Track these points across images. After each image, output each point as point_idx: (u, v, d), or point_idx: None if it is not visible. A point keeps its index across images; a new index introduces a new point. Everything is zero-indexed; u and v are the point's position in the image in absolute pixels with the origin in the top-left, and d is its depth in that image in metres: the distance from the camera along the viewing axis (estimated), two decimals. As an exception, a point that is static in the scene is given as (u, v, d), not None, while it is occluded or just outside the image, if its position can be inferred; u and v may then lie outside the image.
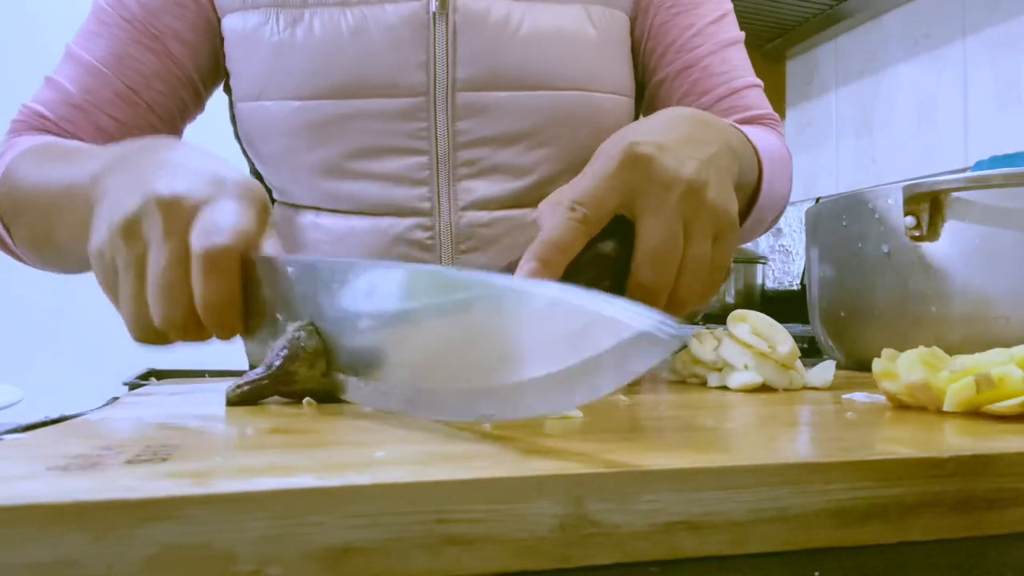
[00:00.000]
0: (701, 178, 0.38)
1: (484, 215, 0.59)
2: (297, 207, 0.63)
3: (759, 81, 0.66)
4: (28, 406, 0.52)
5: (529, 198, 0.60)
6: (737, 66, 0.65)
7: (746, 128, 0.55)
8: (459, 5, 0.58)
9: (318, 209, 0.62)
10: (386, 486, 0.17)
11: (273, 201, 0.65)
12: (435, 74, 0.58)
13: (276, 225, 0.64)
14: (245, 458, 0.21)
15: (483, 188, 0.60)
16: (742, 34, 0.67)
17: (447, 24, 0.57)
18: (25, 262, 0.58)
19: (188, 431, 0.27)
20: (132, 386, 0.60)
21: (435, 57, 0.57)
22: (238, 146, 0.68)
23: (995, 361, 0.33)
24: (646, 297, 0.38)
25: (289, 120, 0.59)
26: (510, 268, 0.38)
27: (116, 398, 0.42)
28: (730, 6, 0.67)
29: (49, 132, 0.59)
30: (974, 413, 0.32)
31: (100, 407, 0.38)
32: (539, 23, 0.59)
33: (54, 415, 0.34)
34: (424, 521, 0.17)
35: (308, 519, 0.16)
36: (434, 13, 0.57)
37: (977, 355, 0.34)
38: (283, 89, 0.59)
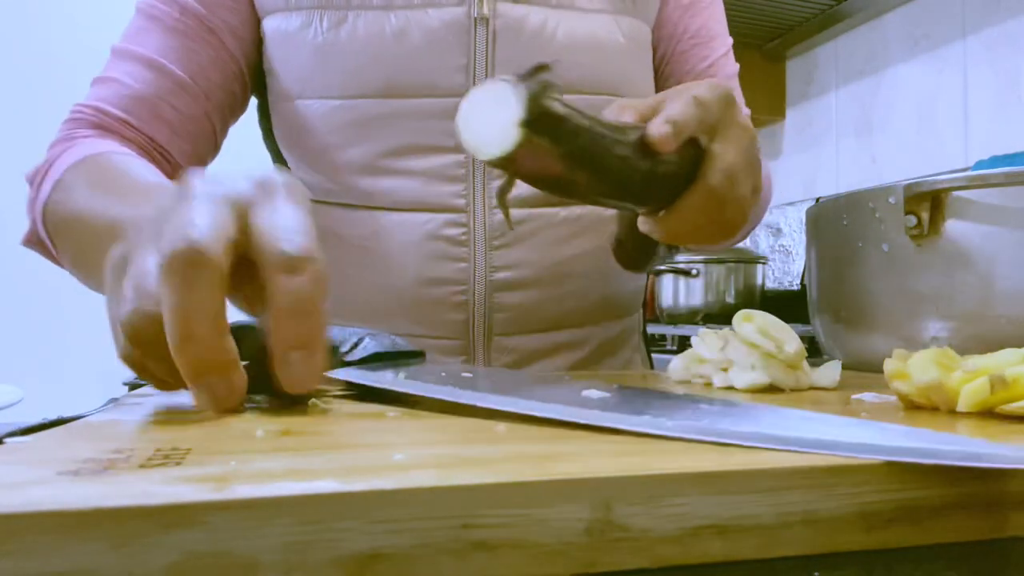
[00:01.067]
0: (756, 156, 0.45)
1: (517, 212, 0.61)
2: (329, 204, 0.63)
3: (748, 111, 0.73)
4: (28, 406, 0.51)
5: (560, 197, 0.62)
6: (740, 98, 0.71)
7: None
8: (500, 11, 0.59)
9: (351, 206, 0.62)
10: (413, 491, 0.16)
11: None
12: (474, 76, 0.59)
13: None
14: (262, 462, 0.21)
15: (517, 186, 0.61)
16: (738, 66, 0.74)
17: (487, 29, 0.59)
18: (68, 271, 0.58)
19: (196, 433, 0.27)
20: (132, 386, 0.59)
21: (475, 60, 0.59)
22: (267, 148, 0.69)
23: (1009, 361, 0.33)
24: (711, 202, 0.42)
25: (330, 118, 0.60)
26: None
27: (116, 399, 0.42)
28: (731, 41, 0.73)
29: (108, 128, 0.58)
30: (987, 413, 0.32)
31: (100, 408, 0.37)
32: (573, 30, 0.61)
33: (54, 416, 0.33)
34: (450, 526, 0.17)
35: (334, 525, 0.16)
36: (475, 18, 0.59)
37: (989, 355, 0.34)
38: (325, 88, 0.60)
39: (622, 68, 0.63)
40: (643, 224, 0.45)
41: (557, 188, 0.38)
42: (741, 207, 0.44)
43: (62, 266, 0.58)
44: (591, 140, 0.37)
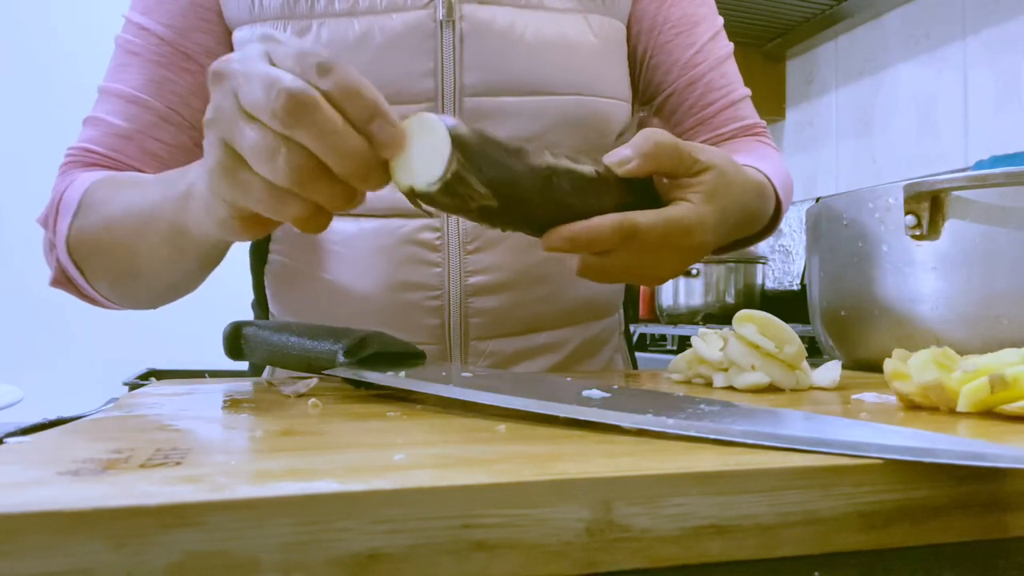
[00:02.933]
0: (716, 226, 0.47)
1: None
2: None
3: (748, 91, 0.71)
4: (28, 406, 0.51)
5: None
6: (732, 80, 0.70)
7: (762, 161, 0.60)
8: (465, 13, 0.58)
9: None
10: (412, 491, 0.16)
11: None
12: (442, 81, 0.58)
13: (283, 231, 0.64)
14: (261, 461, 0.21)
15: None
16: (732, 45, 0.72)
17: (454, 32, 0.58)
18: (100, 303, 0.58)
19: (195, 433, 0.27)
20: (132, 386, 0.59)
21: (442, 64, 0.58)
22: None
23: (1009, 361, 0.33)
24: (640, 240, 0.43)
25: None
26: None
27: (116, 399, 0.42)
28: (721, 21, 0.72)
29: (100, 166, 0.59)
30: (987, 413, 0.32)
31: (100, 408, 0.37)
32: (542, 31, 0.60)
33: (54, 416, 0.33)
34: (450, 526, 0.17)
35: (334, 525, 0.16)
36: (441, 21, 0.58)
37: (989, 355, 0.34)
38: None
39: (594, 67, 0.62)
40: (551, 240, 0.43)
41: (481, 218, 0.38)
42: (679, 264, 0.46)
43: (95, 296, 0.57)
44: (509, 169, 0.37)
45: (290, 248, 0.64)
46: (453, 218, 0.60)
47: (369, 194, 0.59)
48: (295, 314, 0.65)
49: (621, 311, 0.74)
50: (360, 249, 0.60)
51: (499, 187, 0.36)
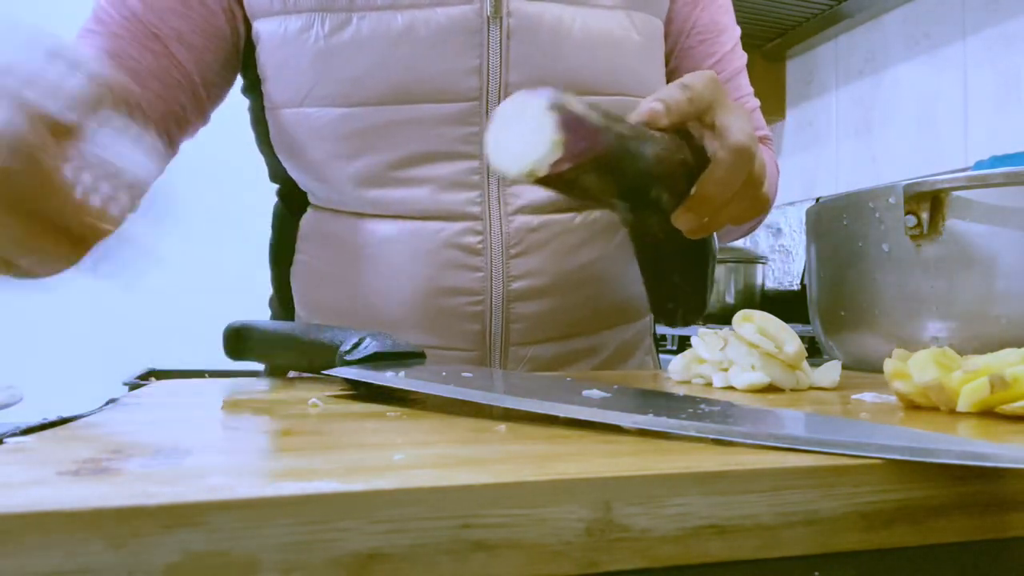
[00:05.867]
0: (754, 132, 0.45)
1: (533, 219, 0.59)
2: (337, 212, 0.62)
3: (759, 102, 0.72)
4: (28, 406, 0.51)
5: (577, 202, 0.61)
6: (745, 92, 0.71)
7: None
8: (513, 8, 0.57)
9: (359, 214, 0.60)
10: (412, 491, 0.16)
11: (307, 205, 0.64)
12: (488, 78, 0.57)
13: (311, 231, 0.62)
14: (262, 461, 0.21)
15: (532, 192, 0.59)
16: (746, 56, 0.73)
17: (500, 28, 0.57)
18: None
19: (196, 433, 0.27)
20: (132, 386, 0.59)
21: (488, 61, 0.57)
22: (263, 155, 0.67)
23: (1009, 361, 0.33)
24: (716, 194, 0.42)
25: (333, 128, 0.57)
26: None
27: (115, 399, 0.42)
28: (739, 33, 0.72)
29: None
30: (987, 413, 0.32)
31: (100, 408, 0.37)
32: (589, 27, 0.59)
33: (54, 416, 0.33)
34: (450, 527, 0.17)
35: (334, 525, 0.16)
36: (488, 17, 0.56)
37: (989, 355, 0.34)
38: (328, 96, 0.57)
39: (637, 67, 0.61)
40: (681, 220, 0.44)
41: (586, 194, 0.38)
42: (761, 175, 0.44)
43: None
44: (618, 143, 0.37)
45: (319, 248, 0.62)
46: (496, 221, 0.58)
47: (407, 195, 0.59)
48: (325, 317, 0.63)
49: (650, 314, 0.74)
50: (397, 252, 0.59)
51: (602, 158, 0.36)
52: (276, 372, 0.59)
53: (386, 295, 0.60)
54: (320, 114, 0.58)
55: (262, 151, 0.67)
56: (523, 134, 0.34)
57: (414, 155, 0.58)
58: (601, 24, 0.59)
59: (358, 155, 0.58)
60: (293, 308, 0.66)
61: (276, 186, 0.68)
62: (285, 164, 0.64)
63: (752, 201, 0.45)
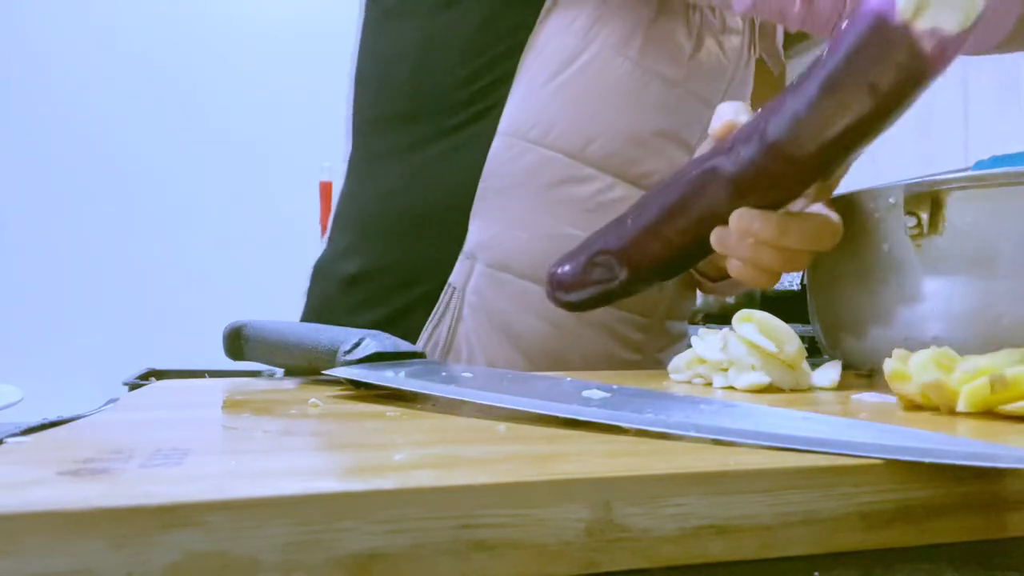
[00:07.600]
0: None
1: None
2: None
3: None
4: (28, 406, 0.51)
5: None
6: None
7: None
8: None
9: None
10: (412, 491, 0.16)
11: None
12: None
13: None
14: (262, 461, 0.21)
15: None
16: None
17: None
18: None
19: (195, 433, 0.27)
20: (132, 386, 0.59)
21: None
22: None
23: (1009, 361, 0.33)
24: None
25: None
26: None
27: (116, 399, 0.42)
28: None
29: None
30: (987, 413, 0.32)
31: (99, 408, 0.37)
32: None
33: (54, 416, 0.33)
34: (450, 526, 0.17)
35: (334, 525, 0.16)
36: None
37: (990, 355, 0.34)
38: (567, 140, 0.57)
39: None
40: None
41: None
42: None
43: None
44: None
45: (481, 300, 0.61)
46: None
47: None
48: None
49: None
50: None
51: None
52: (294, 372, 0.58)
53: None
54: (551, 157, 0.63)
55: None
56: None
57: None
58: None
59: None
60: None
61: None
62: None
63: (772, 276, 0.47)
